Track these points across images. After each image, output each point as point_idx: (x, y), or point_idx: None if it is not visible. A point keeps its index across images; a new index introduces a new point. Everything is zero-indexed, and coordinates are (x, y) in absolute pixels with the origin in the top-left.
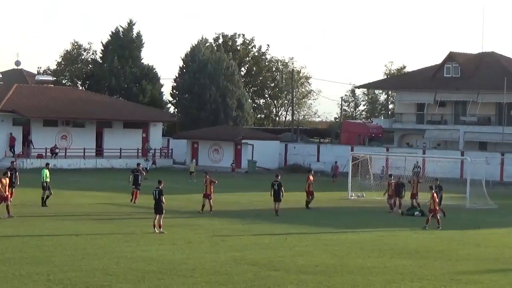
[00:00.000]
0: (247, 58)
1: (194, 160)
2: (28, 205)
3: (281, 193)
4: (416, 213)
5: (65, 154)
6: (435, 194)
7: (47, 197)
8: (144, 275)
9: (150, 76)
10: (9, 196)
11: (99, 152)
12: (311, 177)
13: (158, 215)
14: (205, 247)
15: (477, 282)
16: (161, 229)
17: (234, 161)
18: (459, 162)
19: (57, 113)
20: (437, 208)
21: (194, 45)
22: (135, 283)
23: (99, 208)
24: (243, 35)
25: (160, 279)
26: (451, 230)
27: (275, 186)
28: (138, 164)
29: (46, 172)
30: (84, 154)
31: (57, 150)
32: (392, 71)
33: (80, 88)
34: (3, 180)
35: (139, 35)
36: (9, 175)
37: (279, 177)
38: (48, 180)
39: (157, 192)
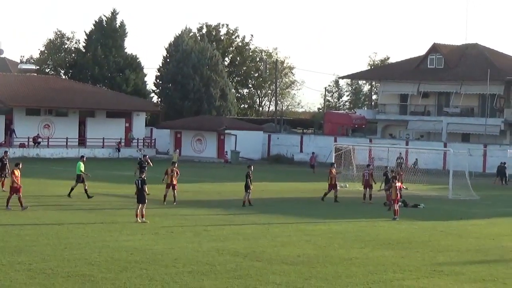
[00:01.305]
0: (231, 48)
1: (177, 150)
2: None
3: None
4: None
5: (48, 143)
6: (398, 184)
7: (84, 190)
8: (127, 264)
9: (133, 65)
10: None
11: (82, 142)
12: (333, 171)
13: (140, 205)
14: (187, 237)
15: (459, 273)
16: (144, 219)
17: (227, 152)
18: (442, 154)
19: (40, 102)
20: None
21: (177, 34)
22: (117, 272)
23: (82, 198)
24: (227, 25)
25: (143, 268)
26: (434, 221)
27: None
28: (145, 156)
29: (82, 164)
30: (66, 143)
31: (39, 140)
32: (376, 62)
33: (63, 77)
34: (16, 172)
35: (122, 25)
36: (20, 166)
37: (251, 168)
38: (83, 171)
39: (140, 181)
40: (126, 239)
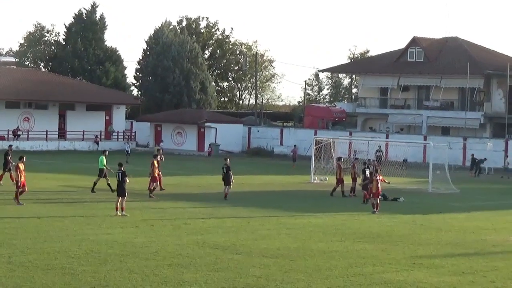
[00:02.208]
0: (211, 41)
1: (161, 144)
2: None
3: (230, 178)
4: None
5: (28, 136)
6: (380, 177)
7: (108, 184)
8: (106, 257)
9: (113, 58)
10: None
11: (62, 134)
12: (341, 165)
13: (120, 198)
14: (167, 230)
15: (439, 267)
16: (124, 212)
17: (210, 145)
18: (422, 147)
19: (20, 95)
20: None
21: (157, 28)
22: (97, 265)
23: (61, 191)
24: (207, 18)
25: (123, 261)
26: (413, 215)
27: (224, 170)
28: (159, 150)
29: (104, 158)
30: (46, 136)
31: (19, 132)
32: (356, 55)
33: (43, 69)
34: (20, 165)
35: (102, 17)
36: (24, 159)
37: (228, 161)
38: (106, 166)
39: (120, 174)
40: (105, 232)
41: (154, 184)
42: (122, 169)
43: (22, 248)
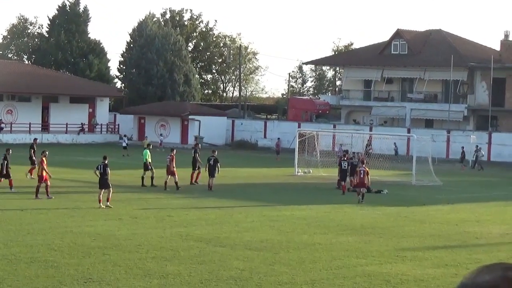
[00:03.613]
0: (195, 34)
1: (147, 137)
2: None
3: (217, 169)
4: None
5: (11, 128)
6: (364, 169)
7: (152, 178)
8: (90, 250)
9: (97, 50)
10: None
11: (45, 127)
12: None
13: (103, 190)
14: (151, 222)
15: (422, 259)
16: (108, 203)
17: (196, 138)
18: (406, 139)
19: (3, 87)
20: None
21: (141, 20)
22: (80, 258)
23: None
24: (191, 10)
25: (106, 254)
26: (397, 207)
27: (210, 161)
28: (196, 144)
29: (148, 152)
30: (30, 129)
31: (2, 125)
32: (340, 48)
33: (26, 62)
34: (44, 159)
35: (86, 10)
36: (47, 154)
37: (216, 153)
38: (150, 160)
39: (102, 166)
40: (89, 224)
41: (170, 177)
42: (106, 162)
43: (5, 241)
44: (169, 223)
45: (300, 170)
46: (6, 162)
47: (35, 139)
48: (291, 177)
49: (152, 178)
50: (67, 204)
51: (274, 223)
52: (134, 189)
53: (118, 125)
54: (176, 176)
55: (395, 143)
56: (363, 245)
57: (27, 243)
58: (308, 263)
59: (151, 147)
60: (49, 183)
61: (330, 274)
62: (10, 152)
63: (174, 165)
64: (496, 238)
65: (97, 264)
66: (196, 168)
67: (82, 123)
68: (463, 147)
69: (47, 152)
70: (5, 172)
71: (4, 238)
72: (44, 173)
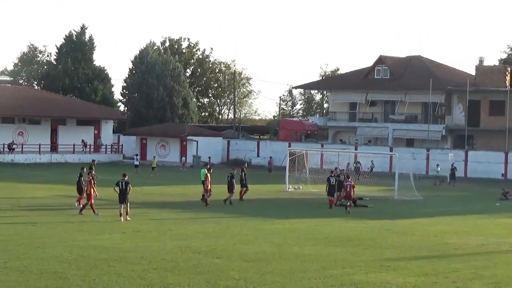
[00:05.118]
0: (192, 60)
1: (155, 157)
2: None
3: (234, 186)
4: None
5: (22, 149)
6: (350, 183)
7: (203, 195)
8: (96, 262)
9: (101, 76)
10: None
11: (54, 148)
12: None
13: (123, 205)
14: (153, 236)
15: (404, 268)
16: (128, 216)
17: (194, 157)
18: (388, 157)
19: (14, 111)
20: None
21: (142, 48)
22: (87, 270)
23: (54, 200)
24: (188, 39)
25: (111, 266)
26: (381, 220)
27: (228, 178)
28: (243, 164)
29: (206, 171)
30: (39, 149)
31: (14, 146)
32: (327, 73)
33: (36, 87)
34: (91, 177)
35: (91, 39)
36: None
37: (235, 171)
38: (203, 179)
39: (124, 183)
40: (95, 238)
41: (207, 194)
42: (126, 179)
43: (17, 254)
44: (170, 236)
45: (291, 186)
46: (81, 177)
47: (93, 160)
48: (283, 193)
49: (203, 195)
50: (75, 219)
51: (267, 236)
52: (137, 204)
53: (122, 145)
54: (208, 193)
55: (372, 161)
56: (350, 256)
57: (38, 255)
58: (299, 273)
59: (208, 166)
60: (92, 201)
61: (319, 283)
62: (85, 170)
63: (208, 183)
64: (472, 249)
65: (103, 275)
66: (244, 186)
67: (82, 140)
68: (452, 164)
69: (94, 172)
70: (79, 188)
71: (16, 251)
72: (92, 191)
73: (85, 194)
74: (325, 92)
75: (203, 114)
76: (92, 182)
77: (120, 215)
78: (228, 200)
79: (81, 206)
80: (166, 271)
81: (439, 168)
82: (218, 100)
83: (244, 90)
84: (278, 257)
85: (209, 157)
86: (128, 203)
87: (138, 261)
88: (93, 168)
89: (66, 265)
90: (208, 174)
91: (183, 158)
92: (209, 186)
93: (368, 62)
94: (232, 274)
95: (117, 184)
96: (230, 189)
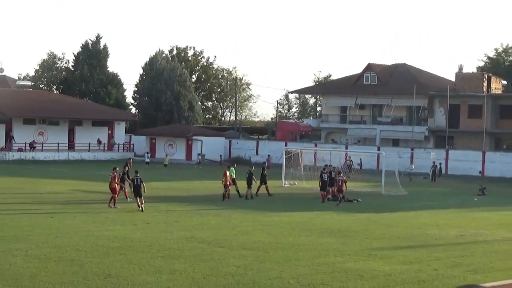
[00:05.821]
0: (197, 67)
1: (167, 155)
2: (7, 192)
3: (253, 181)
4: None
5: (42, 148)
6: (342, 178)
7: (237, 190)
8: (109, 250)
9: (114, 82)
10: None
11: (71, 146)
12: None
13: (138, 197)
14: (161, 227)
15: (390, 257)
16: (143, 206)
17: (199, 156)
18: (376, 156)
19: (35, 113)
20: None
21: (152, 55)
22: (101, 257)
23: (71, 194)
24: (194, 47)
25: (123, 254)
26: (369, 213)
27: (247, 174)
28: (265, 163)
29: (233, 170)
30: (58, 148)
31: (35, 145)
32: (320, 79)
33: (55, 91)
34: (115, 174)
35: (105, 47)
36: (118, 170)
37: (253, 168)
38: (234, 176)
39: (139, 179)
40: (108, 228)
41: (226, 189)
42: (138, 175)
43: (37, 243)
44: (176, 228)
45: (287, 182)
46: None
47: (130, 159)
48: (279, 188)
49: (237, 191)
50: (90, 212)
51: (265, 227)
52: (148, 199)
53: (133, 144)
54: (229, 189)
55: (360, 159)
56: (340, 246)
57: (56, 244)
58: (294, 261)
59: (235, 165)
60: (116, 196)
61: (312, 270)
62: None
63: (229, 180)
64: (452, 239)
65: (115, 262)
66: (264, 183)
67: (98, 139)
68: (434, 162)
69: (117, 169)
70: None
71: (36, 240)
72: (117, 186)
73: (109, 188)
74: (318, 97)
75: (207, 116)
76: (116, 178)
77: (138, 205)
78: (246, 194)
79: (129, 200)
80: (173, 258)
81: (413, 166)
82: (221, 104)
83: (245, 94)
84: (274, 246)
85: (220, 155)
86: (143, 198)
87: (147, 250)
88: (128, 166)
89: (82, 253)
90: (228, 172)
91: (199, 157)
92: (228, 183)
93: (358, 69)
94: (233, 261)
95: (132, 180)
96: (249, 184)
